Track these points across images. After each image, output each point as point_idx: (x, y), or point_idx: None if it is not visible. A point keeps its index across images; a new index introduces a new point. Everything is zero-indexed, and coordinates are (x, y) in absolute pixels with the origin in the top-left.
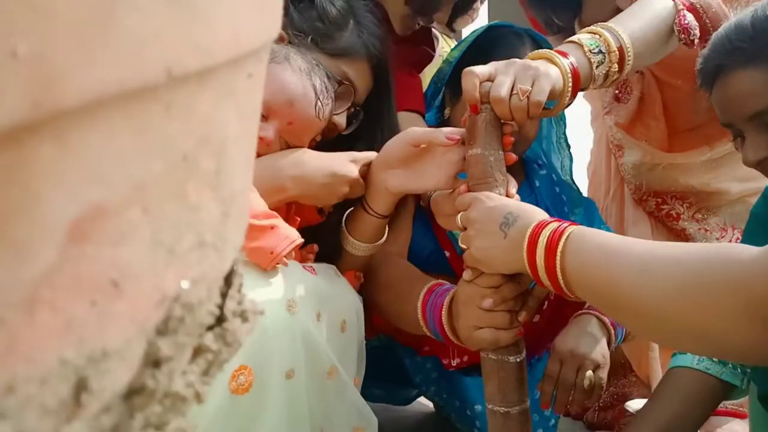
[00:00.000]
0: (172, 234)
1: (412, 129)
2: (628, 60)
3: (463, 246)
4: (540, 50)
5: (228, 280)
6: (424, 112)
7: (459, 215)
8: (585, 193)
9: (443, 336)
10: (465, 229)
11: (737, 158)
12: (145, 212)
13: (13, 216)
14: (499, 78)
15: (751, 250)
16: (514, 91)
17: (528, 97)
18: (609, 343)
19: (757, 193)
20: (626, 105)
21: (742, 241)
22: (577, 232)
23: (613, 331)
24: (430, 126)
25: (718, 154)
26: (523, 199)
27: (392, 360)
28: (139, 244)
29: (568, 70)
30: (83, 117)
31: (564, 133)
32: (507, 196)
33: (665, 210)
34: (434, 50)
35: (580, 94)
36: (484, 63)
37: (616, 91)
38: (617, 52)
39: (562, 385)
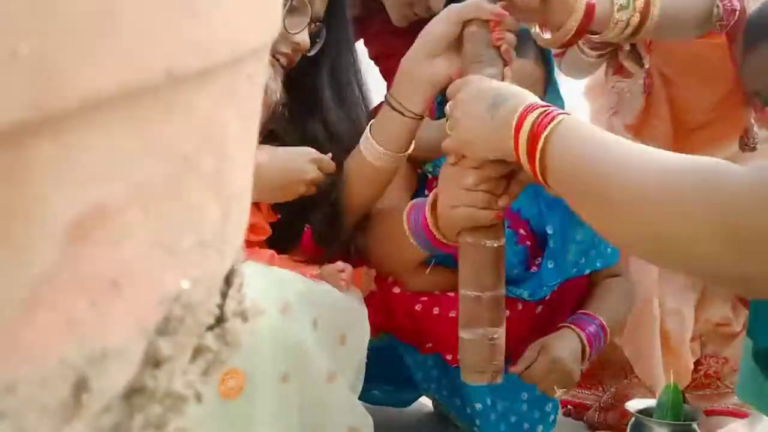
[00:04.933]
0: (172, 234)
1: (452, 6)
2: (653, 15)
3: (449, 131)
4: None
5: (228, 280)
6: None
7: (449, 103)
8: None
9: (426, 235)
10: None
11: (746, 159)
12: (145, 212)
13: (13, 216)
14: None
15: (738, 170)
16: None
17: None
18: (582, 360)
19: None
20: (632, 105)
21: None
22: (569, 118)
23: (588, 350)
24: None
25: (724, 156)
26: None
27: (393, 361)
28: (139, 244)
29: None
30: (83, 117)
31: None
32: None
33: None
34: None
35: (581, 91)
36: None
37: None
38: (643, 1)
39: (527, 375)
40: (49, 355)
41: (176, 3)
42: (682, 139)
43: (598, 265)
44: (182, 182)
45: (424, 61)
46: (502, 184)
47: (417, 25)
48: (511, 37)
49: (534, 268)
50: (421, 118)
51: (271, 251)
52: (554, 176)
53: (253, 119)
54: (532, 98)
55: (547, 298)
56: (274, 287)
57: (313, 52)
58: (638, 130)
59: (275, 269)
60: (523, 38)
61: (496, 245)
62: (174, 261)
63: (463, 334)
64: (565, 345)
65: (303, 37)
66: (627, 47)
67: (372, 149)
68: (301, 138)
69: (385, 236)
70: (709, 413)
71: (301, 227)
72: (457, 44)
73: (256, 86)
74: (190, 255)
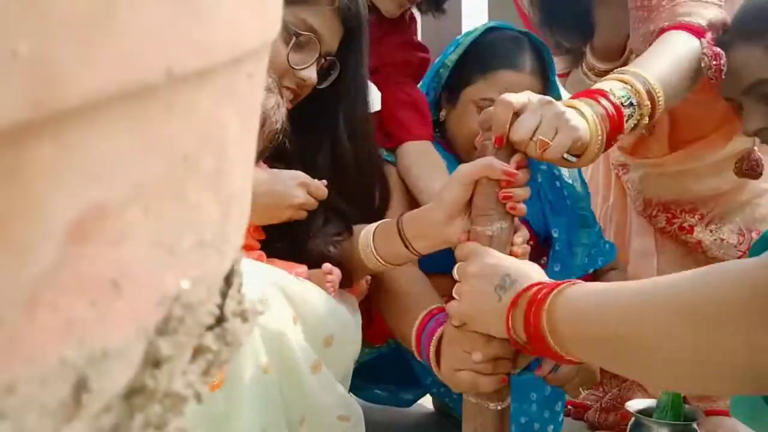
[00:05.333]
0: (172, 234)
1: (461, 168)
2: (659, 109)
3: (456, 296)
4: (583, 94)
5: (228, 280)
6: (432, 137)
7: (456, 266)
8: None
9: (432, 368)
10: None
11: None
12: (145, 212)
13: (13, 216)
14: (524, 116)
15: (753, 260)
16: (534, 138)
17: (545, 149)
18: None
19: (762, 193)
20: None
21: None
22: (567, 289)
23: None
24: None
25: (722, 157)
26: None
27: (396, 361)
28: (139, 244)
29: (601, 128)
30: (83, 117)
31: None
32: (511, 240)
33: (677, 223)
34: (428, 53)
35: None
36: (483, 67)
37: None
38: (649, 105)
39: (554, 378)
40: (49, 355)
41: (176, 3)
42: (674, 151)
43: (599, 263)
44: (182, 182)
45: (442, 222)
46: (508, 355)
47: (408, 27)
48: (520, 192)
49: None
50: (424, 255)
51: (260, 252)
52: (577, 347)
53: (253, 119)
54: (539, 277)
55: None
56: (252, 279)
57: (323, 86)
58: (633, 151)
59: (255, 263)
60: (520, 50)
61: (500, 407)
62: (174, 261)
63: None
64: None
65: (309, 74)
66: None
67: (369, 254)
68: (303, 167)
69: (395, 326)
70: (708, 413)
71: (293, 253)
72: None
73: (257, 86)
74: (190, 255)
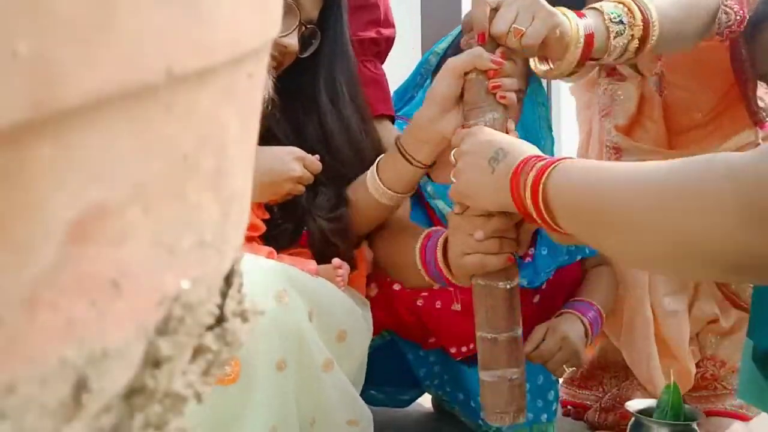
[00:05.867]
0: (172, 234)
1: (450, 61)
2: (653, 37)
3: (453, 179)
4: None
5: (228, 280)
6: (393, 114)
7: (453, 151)
8: None
9: (441, 274)
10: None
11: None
12: (145, 212)
13: (13, 216)
14: (502, 10)
15: (737, 154)
16: (510, 29)
17: (521, 36)
18: (585, 342)
19: None
20: (624, 107)
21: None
22: (563, 163)
23: (590, 332)
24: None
25: (724, 150)
26: None
27: (392, 361)
28: (139, 244)
29: (581, 31)
30: (83, 117)
31: (547, 117)
32: (505, 129)
33: None
34: (394, 29)
35: (567, 87)
36: None
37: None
38: (641, 26)
39: (537, 354)
40: (49, 355)
41: (176, 3)
42: (674, 138)
43: (587, 251)
44: (182, 182)
45: (436, 117)
46: (511, 234)
47: (365, 2)
48: (508, 82)
49: (528, 259)
50: (429, 167)
51: (270, 248)
52: (564, 219)
53: (253, 119)
54: (531, 151)
55: (543, 287)
56: (268, 276)
57: (305, 54)
58: (629, 132)
59: (270, 261)
60: None
61: (509, 286)
62: (174, 261)
63: (483, 376)
64: (570, 326)
65: (291, 41)
66: None
67: (378, 188)
68: (295, 137)
69: (396, 265)
70: (708, 414)
71: (298, 231)
72: (460, 95)
73: (257, 85)
74: (190, 255)
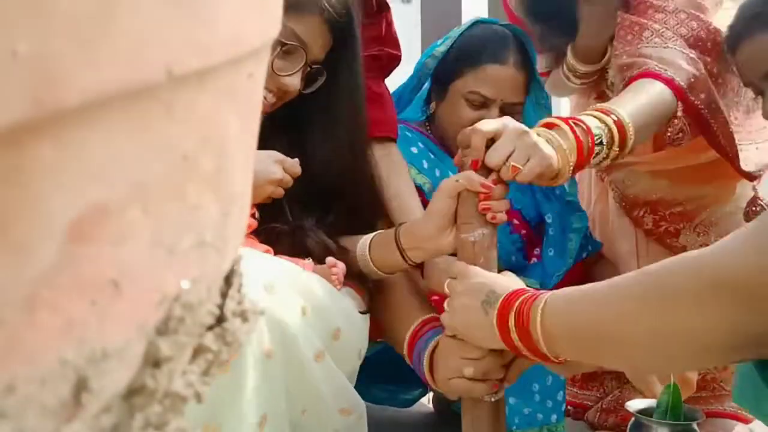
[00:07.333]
0: (172, 234)
1: (445, 183)
2: (626, 149)
3: (446, 308)
4: (553, 120)
5: (228, 280)
6: (396, 135)
7: (447, 281)
8: None
9: (424, 378)
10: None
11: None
12: (145, 212)
13: (13, 216)
14: (500, 143)
15: (720, 252)
16: (507, 164)
17: (516, 173)
18: None
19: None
20: None
21: None
22: (548, 295)
23: None
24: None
25: (707, 160)
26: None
27: (395, 360)
28: (139, 244)
29: (570, 164)
30: (83, 117)
31: None
32: (494, 244)
33: (663, 227)
34: (400, 51)
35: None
36: (470, 62)
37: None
38: (618, 147)
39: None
40: (49, 355)
41: (176, 3)
42: (658, 152)
43: (590, 248)
44: (182, 182)
45: (434, 235)
46: (502, 371)
47: (369, 20)
48: (496, 205)
49: (534, 259)
50: (421, 264)
51: (267, 246)
52: (567, 349)
53: (253, 119)
54: (516, 287)
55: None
56: (260, 267)
57: (308, 91)
58: None
59: (264, 254)
60: (504, 44)
61: (494, 399)
62: (174, 261)
63: None
64: None
65: (291, 81)
66: (610, 78)
67: (366, 264)
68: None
69: (389, 330)
70: (709, 415)
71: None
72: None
73: (257, 86)
74: (190, 255)
